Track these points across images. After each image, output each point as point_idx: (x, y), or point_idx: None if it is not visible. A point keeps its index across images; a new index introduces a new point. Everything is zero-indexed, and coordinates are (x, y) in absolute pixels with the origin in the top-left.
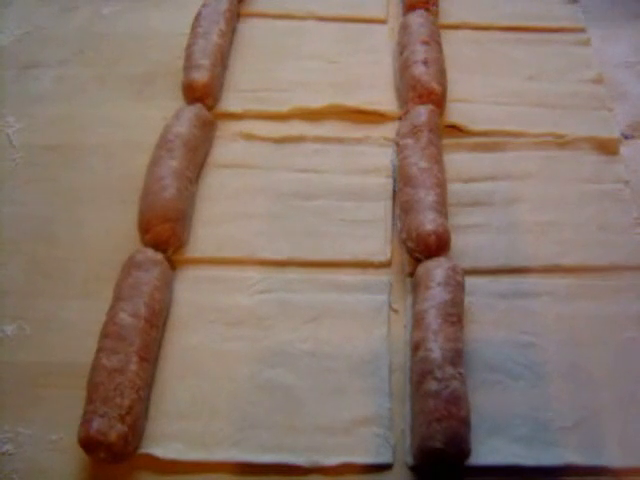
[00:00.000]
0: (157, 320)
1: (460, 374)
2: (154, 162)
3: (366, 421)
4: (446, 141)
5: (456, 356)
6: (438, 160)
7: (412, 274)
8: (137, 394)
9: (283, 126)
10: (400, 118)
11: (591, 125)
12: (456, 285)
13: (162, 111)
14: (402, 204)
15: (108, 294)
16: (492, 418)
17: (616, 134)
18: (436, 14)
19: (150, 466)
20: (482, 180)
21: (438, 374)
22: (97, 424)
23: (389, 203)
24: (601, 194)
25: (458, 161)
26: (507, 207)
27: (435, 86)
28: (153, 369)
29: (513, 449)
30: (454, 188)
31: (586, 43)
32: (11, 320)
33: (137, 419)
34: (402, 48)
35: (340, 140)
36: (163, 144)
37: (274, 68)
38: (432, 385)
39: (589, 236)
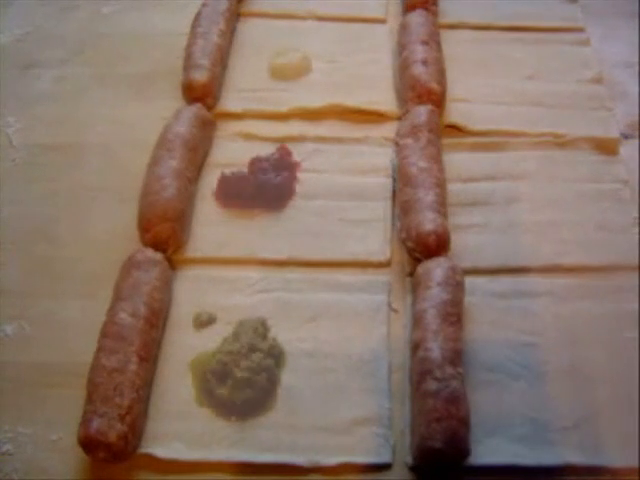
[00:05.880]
0: (157, 320)
1: (460, 374)
2: (154, 162)
3: (366, 421)
4: (446, 141)
5: (456, 356)
6: (438, 160)
7: (412, 274)
8: (137, 394)
9: (283, 126)
10: (400, 118)
11: (590, 125)
12: (456, 285)
13: (162, 111)
14: (402, 204)
15: (108, 294)
16: (491, 418)
17: (615, 134)
18: (436, 14)
19: (150, 466)
20: (482, 180)
21: (438, 374)
22: (97, 424)
23: (389, 203)
24: (600, 194)
25: (458, 161)
26: (507, 207)
27: (434, 86)
28: (153, 369)
29: (512, 449)
30: (454, 188)
31: (585, 43)
32: (11, 320)
33: (137, 419)
34: (401, 48)
35: (340, 140)
36: (163, 144)
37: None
38: (432, 385)
39: (588, 236)
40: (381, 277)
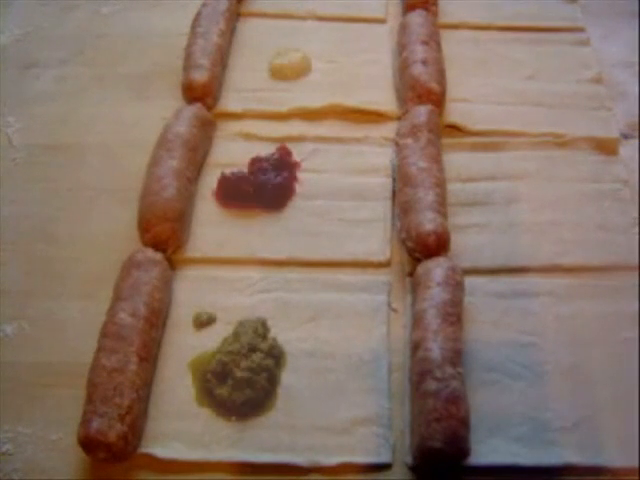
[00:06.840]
0: (157, 320)
1: (459, 374)
2: (154, 162)
3: (365, 421)
4: (445, 141)
5: (455, 356)
6: (437, 160)
7: (412, 274)
8: (137, 394)
9: (283, 126)
10: (399, 118)
11: (590, 125)
12: (455, 285)
13: (162, 111)
14: (401, 204)
15: (108, 294)
16: (491, 418)
17: (615, 134)
18: (435, 14)
19: (150, 466)
20: (481, 180)
21: (437, 374)
22: (97, 424)
23: (388, 203)
24: (600, 194)
25: (457, 161)
26: (506, 207)
27: (434, 86)
28: (153, 369)
29: (512, 449)
30: (453, 188)
31: (585, 43)
32: (11, 320)
33: (137, 419)
34: (401, 48)
35: (340, 140)
36: (163, 144)
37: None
38: (431, 385)
39: (588, 236)
40: (381, 277)
